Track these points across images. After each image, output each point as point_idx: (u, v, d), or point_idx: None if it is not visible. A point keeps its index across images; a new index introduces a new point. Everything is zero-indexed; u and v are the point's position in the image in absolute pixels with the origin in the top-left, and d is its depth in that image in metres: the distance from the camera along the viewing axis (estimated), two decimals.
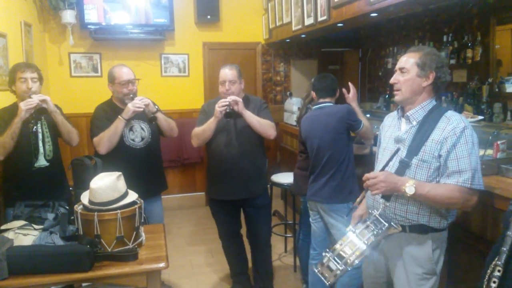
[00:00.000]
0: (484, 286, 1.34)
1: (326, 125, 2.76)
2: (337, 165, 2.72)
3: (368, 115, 4.95)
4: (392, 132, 2.04)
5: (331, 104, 2.87)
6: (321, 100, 2.91)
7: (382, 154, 2.08)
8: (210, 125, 2.88)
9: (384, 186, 1.79)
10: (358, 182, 2.55)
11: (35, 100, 2.63)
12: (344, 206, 2.68)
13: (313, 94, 2.98)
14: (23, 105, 2.58)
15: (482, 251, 2.01)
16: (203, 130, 2.92)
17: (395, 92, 1.97)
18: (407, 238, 1.92)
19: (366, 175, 1.84)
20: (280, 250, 4.11)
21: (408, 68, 1.91)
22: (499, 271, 1.31)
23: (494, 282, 1.31)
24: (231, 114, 2.81)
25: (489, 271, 1.35)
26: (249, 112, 2.88)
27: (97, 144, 2.85)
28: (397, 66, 1.97)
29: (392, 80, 1.98)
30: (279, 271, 3.71)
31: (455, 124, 1.80)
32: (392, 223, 1.90)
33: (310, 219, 2.95)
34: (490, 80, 3.70)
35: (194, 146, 3.05)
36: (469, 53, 3.84)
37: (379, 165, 2.07)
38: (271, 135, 2.95)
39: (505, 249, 1.32)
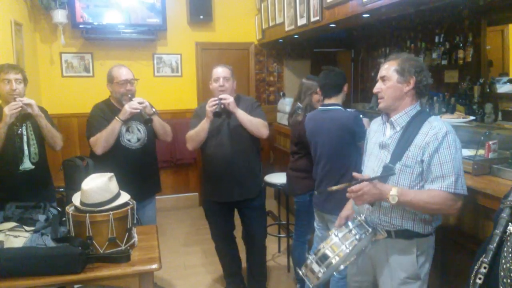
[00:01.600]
0: (471, 282, 1.36)
1: (329, 132, 2.64)
2: (340, 176, 2.61)
3: (360, 115, 4.97)
4: (377, 137, 2.05)
5: (339, 108, 2.70)
6: (327, 101, 2.76)
7: (368, 160, 2.10)
8: (203, 126, 2.87)
9: (367, 198, 1.82)
10: None
11: (19, 104, 2.60)
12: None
13: (319, 92, 2.87)
14: (7, 110, 2.55)
15: (474, 250, 2.01)
16: (196, 132, 2.91)
17: (379, 100, 1.99)
18: (393, 244, 1.94)
19: (351, 189, 1.83)
20: (274, 250, 4.11)
21: (388, 75, 1.93)
22: (485, 268, 1.33)
23: (480, 278, 1.34)
24: (221, 113, 2.80)
25: (476, 267, 1.36)
26: (241, 111, 2.86)
27: (94, 145, 2.85)
28: (379, 75, 1.99)
29: (375, 90, 2.00)
30: (273, 271, 3.72)
31: (437, 129, 1.82)
32: (377, 229, 1.92)
33: (315, 225, 2.90)
34: (481, 80, 3.73)
35: (189, 149, 3.03)
36: (460, 54, 3.87)
37: (365, 170, 2.10)
38: (264, 133, 2.92)
39: (492, 246, 1.34)
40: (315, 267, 1.79)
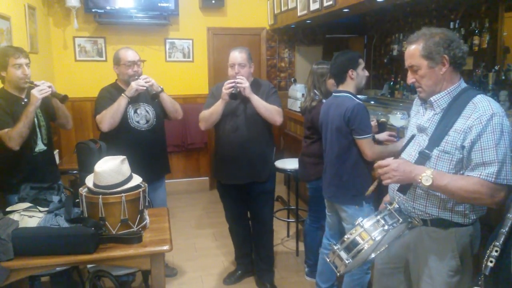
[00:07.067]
0: (483, 265, 1.35)
1: (332, 119, 2.59)
2: (339, 164, 2.56)
3: (372, 102, 4.94)
4: (417, 119, 1.89)
5: (347, 95, 2.56)
6: (338, 87, 2.66)
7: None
8: (217, 108, 2.87)
9: (396, 175, 1.64)
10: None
11: (47, 85, 2.61)
12: (351, 208, 2.54)
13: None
14: (38, 94, 2.55)
15: (485, 236, 2.01)
16: (210, 113, 2.91)
17: (418, 90, 1.79)
18: (429, 232, 1.80)
19: (378, 162, 1.71)
20: (283, 235, 4.14)
21: (417, 64, 1.72)
22: (496, 251, 1.32)
23: (491, 261, 1.32)
24: (237, 96, 2.79)
25: (488, 251, 1.35)
26: (256, 97, 2.85)
27: (100, 121, 2.89)
28: (406, 64, 1.79)
29: (409, 81, 1.80)
30: (282, 255, 3.75)
31: (482, 112, 1.61)
32: (412, 218, 1.80)
33: (326, 211, 2.89)
34: (496, 67, 3.67)
35: (202, 129, 3.04)
36: (476, 40, 3.80)
37: (402, 155, 1.89)
38: (277, 121, 2.92)
39: (504, 230, 1.32)
40: (343, 254, 1.69)
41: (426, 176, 1.60)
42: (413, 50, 1.73)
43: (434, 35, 1.70)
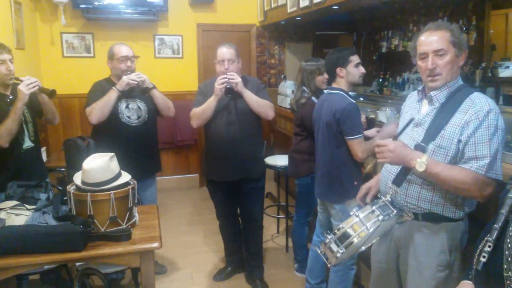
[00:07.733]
0: (475, 260, 1.36)
1: (324, 117, 2.58)
2: (329, 162, 2.57)
3: (361, 99, 4.97)
4: (411, 114, 1.89)
5: (339, 92, 2.55)
6: (331, 85, 2.65)
7: (400, 139, 1.89)
8: (210, 104, 2.84)
9: (392, 156, 1.67)
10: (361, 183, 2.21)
11: (33, 81, 2.57)
12: (339, 205, 2.56)
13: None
14: (25, 89, 2.51)
15: (473, 233, 2.03)
16: (203, 110, 2.88)
17: (436, 78, 1.74)
18: (419, 227, 1.82)
19: (377, 142, 1.74)
20: (273, 231, 4.15)
21: (446, 49, 1.70)
22: (489, 246, 1.32)
23: (484, 256, 1.33)
24: (232, 90, 2.77)
25: (480, 246, 1.36)
26: (249, 92, 2.84)
27: (89, 114, 2.87)
28: (429, 48, 1.72)
29: (431, 65, 1.72)
30: (272, 251, 3.76)
31: (479, 107, 1.64)
32: (404, 210, 1.81)
33: (318, 208, 2.89)
34: (483, 64, 3.71)
35: (194, 127, 3.00)
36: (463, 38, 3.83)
37: None
38: (270, 115, 2.92)
39: (497, 226, 1.33)
40: (334, 246, 1.69)
41: (420, 162, 1.62)
42: (442, 35, 1.71)
43: (458, 28, 1.73)
